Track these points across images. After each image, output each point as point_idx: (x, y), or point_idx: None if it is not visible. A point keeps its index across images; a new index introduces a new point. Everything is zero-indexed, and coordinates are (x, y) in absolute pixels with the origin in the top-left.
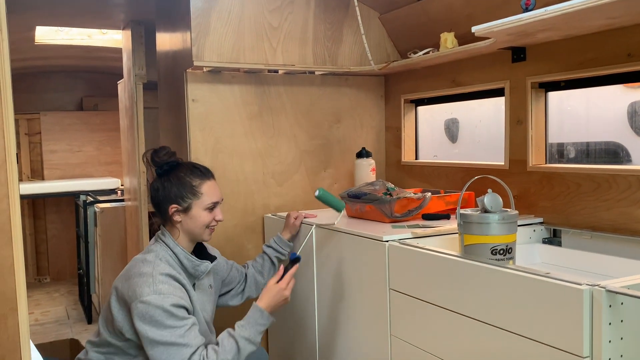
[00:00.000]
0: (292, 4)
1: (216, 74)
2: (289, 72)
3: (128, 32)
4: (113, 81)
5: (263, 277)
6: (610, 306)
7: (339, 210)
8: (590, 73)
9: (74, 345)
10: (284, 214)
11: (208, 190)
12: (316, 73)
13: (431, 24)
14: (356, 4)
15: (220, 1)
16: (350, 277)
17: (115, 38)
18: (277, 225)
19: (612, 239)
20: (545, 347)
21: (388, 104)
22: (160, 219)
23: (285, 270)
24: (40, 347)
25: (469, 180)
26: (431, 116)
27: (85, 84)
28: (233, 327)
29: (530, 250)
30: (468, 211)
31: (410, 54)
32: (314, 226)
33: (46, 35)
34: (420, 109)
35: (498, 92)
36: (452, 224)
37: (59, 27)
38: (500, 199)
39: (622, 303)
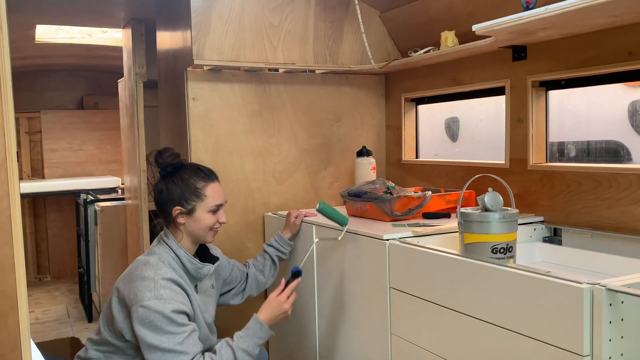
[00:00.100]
0: (292, 3)
1: (216, 72)
2: (290, 71)
3: (128, 31)
4: (113, 80)
5: (264, 276)
6: (610, 305)
7: (342, 224)
8: (591, 72)
9: (75, 344)
10: (285, 213)
11: (212, 193)
12: (317, 72)
13: (432, 23)
14: (356, 2)
15: (220, 0)
16: (350, 276)
17: (115, 37)
18: (278, 224)
19: (613, 238)
20: (545, 345)
21: (388, 103)
22: (163, 221)
23: (287, 284)
24: (41, 346)
25: (470, 179)
26: (431, 115)
27: (85, 83)
28: (232, 333)
29: (531, 249)
30: (468, 210)
31: (410, 53)
32: (316, 240)
33: (46, 33)
34: (421, 107)
35: (498, 91)
36: (452, 223)
37: (60, 26)
38: (501, 198)
39: (622, 302)
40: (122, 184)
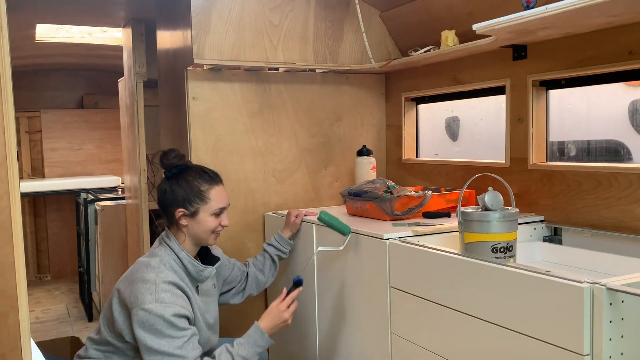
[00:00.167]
0: (292, 2)
1: (217, 71)
2: (290, 70)
3: (128, 30)
4: (114, 79)
5: (264, 275)
6: (610, 304)
7: (344, 233)
8: (591, 71)
9: (75, 343)
10: (285, 212)
11: (216, 196)
12: (317, 71)
13: (432, 22)
14: (357, 1)
15: None
16: (350, 275)
17: (115, 36)
18: (278, 224)
19: (613, 237)
20: (545, 345)
21: (389, 102)
22: (165, 222)
23: (288, 293)
24: (41, 345)
25: (470, 178)
26: (432, 114)
27: (85, 82)
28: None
29: (531, 249)
30: (469, 209)
31: (411, 52)
32: (317, 250)
33: (47, 33)
34: (421, 107)
35: (499, 90)
36: (452, 222)
37: (60, 25)
38: (501, 197)
39: (622, 301)
40: (122, 183)
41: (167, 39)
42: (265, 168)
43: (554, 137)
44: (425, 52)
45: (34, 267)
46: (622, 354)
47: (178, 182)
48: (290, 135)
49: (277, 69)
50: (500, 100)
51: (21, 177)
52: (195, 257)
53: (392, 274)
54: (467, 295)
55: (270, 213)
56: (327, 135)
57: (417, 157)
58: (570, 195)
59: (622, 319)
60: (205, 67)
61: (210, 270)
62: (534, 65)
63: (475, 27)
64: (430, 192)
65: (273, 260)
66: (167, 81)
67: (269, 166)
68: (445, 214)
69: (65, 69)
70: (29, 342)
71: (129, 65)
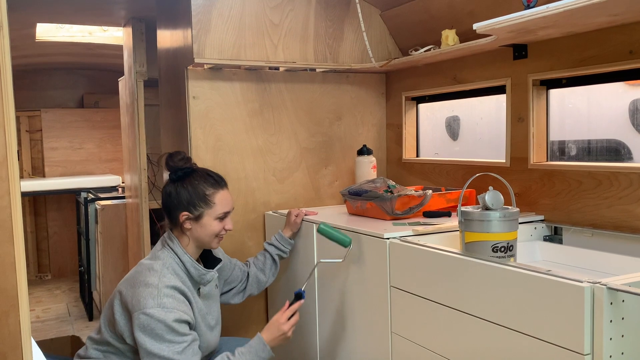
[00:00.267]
0: (292, 1)
1: (217, 71)
2: (290, 69)
3: (129, 29)
4: (114, 78)
5: (264, 274)
6: (611, 304)
7: (344, 245)
8: (591, 70)
9: (75, 342)
10: (285, 212)
11: (221, 200)
12: (317, 70)
13: (432, 21)
14: (357, 1)
15: None
16: (351, 275)
17: (116, 35)
18: (278, 223)
19: (613, 237)
20: (546, 344)
21: (389, 101)
22: (169, 224)
23: (290, 305)
24: (42, 344)
25: (470, 177)
26: (432, 113)
27: (86, 81)
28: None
29: (531, 248)
30: (469, 209)
31: (411, 51)
32: (317, 262)
33: (47, 32)
34: (421, 106)
35: (499, 90)
36: (453, 222)
37: (60, 24)
38: (501, 197)
39: (623, 300)
40: (123, 182)
41: (167, 38)
42: (266, 167)
43: (555, 136)
44: (425, 51)
45: (35, 266)
46: (622, 353)
47: (183, 185)
48: (291, 134)
49: (277, 68)
50: (500, 100)
51: (22, 177)
52: (198, 259)
53: (393, 273)
54: (468, 295)
55: (270, 212)
56: (327, 134)
57: (417, 156)
58: (570, 194)
59: (623, 318)
60: (205, 67)
61: (212, 274)
62: (534, 65)
63: (475, 26)
64: (430, 191)
65: (274, 259)
66: (167, 80)
67: (269, 165)
68: (445, 213)
69: (66, 68)
70: (29, 341)
71: (130, 65)
